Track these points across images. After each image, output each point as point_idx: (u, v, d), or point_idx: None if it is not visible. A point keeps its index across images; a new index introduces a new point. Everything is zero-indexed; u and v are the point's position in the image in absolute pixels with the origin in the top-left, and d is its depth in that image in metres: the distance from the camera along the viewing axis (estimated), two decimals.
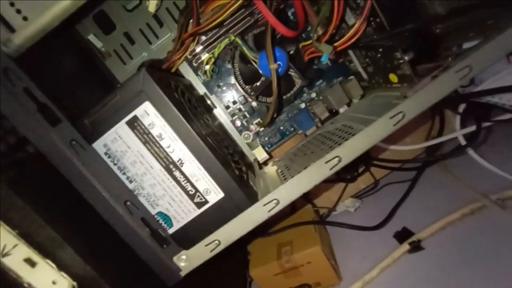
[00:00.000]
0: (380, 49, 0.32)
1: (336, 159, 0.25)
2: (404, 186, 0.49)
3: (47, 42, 0.25)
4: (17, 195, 0.21)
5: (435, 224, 0.40)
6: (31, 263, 0.20)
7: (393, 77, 0.33)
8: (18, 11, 0.23)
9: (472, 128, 0.39)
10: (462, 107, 0.41)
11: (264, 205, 0.25)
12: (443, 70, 0.25)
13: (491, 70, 0.37)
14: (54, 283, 0.21)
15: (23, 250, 0.20)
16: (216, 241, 0.25)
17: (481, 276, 0.32)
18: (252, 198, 0.28)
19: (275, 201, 0.25)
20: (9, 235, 0.20)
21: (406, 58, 0.29)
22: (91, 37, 0.42)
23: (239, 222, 0.25)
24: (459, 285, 0.33)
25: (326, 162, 0.25)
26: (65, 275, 0.22)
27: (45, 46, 0.26)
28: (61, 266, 0.22)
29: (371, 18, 0.30)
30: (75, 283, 0.22)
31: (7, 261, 0.19)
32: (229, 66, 0.40)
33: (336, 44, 0.28)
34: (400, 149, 0.49)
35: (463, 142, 0.40)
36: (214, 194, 0.27)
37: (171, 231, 0.27)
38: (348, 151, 0.25)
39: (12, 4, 0.23)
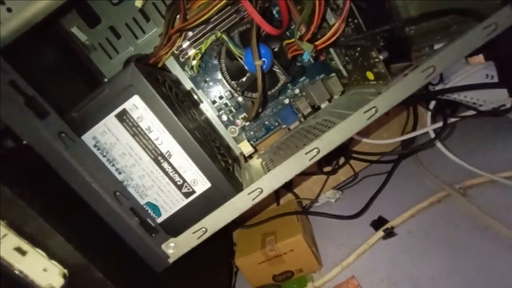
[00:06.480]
0: (358, 49, 0.34)
1: (315, 150, 0.27)
2: (381, 178, 0.53)
3: (28, 33, 0.25)
4: (5, 186, 0.21)
5: (406, 212, 0.43)
6: (21, 251, 0.21)
7: (369, 75, 0.35)
8: (2, 2, 0.23)
9: (441, 123, 0.42)
10: (432, 104, 0.45)
11: (249, 193, 0.27)
12: (412, 69, 0.28)
13: (456, 69, 0.41)
14: (45, 270, 0.21)
15: (13, 240, 0.21)
16: (203, 229, 0.27)
17: (446, 258, 0.36)
18: (237, 188, 0.29)
19: (259, 189, 0.27)
20: None
21: (381, 57, 0.32)
22: (74, 30, 0.42)
23: (225, 210, 0.27)
24: (426, 266, 0.37)
25: (306, 154, 0.27)
26: (55, 263, 0.23)
27: (26, 38, 0.26)
28: (52, 255, 0.23)
29: (350, 19, 0.32)
30: (66, 271, 0.23)
31: None
32: (216, 62, 0.41)
33: (317, 43, 0.30)
34: (378, 143, 0.53)
35: (433, 136, 0.44)
36: (201, 184, 0.28)
37: (159, 220, 0.28)
38: (326, 143, 0.27)
39: None
